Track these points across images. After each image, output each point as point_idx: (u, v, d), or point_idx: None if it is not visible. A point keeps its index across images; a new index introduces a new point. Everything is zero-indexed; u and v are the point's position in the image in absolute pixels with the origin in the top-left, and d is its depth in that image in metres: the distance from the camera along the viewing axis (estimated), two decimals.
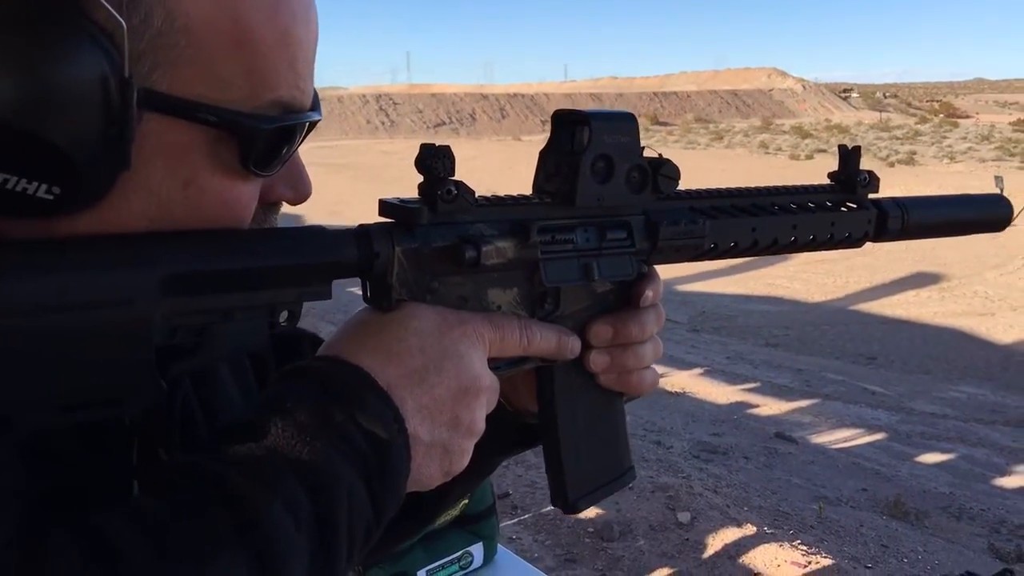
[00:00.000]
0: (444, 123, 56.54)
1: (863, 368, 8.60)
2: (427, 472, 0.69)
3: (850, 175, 0.95)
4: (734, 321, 9.97)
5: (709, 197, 0.86)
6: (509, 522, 3.61)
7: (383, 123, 54.06)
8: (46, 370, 0.54)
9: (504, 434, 0.84)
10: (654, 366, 0.85)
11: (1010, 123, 46.95)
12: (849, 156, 0.95)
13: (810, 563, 3.28)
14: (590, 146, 0.75)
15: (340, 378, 0.65)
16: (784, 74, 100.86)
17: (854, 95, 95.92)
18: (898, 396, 7.65)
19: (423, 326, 0.70)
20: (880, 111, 73.11)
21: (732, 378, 7.69)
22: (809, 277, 11.92)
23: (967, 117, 65.68)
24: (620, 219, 0.79)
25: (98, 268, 0.56)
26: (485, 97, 62.10)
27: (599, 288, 0.80)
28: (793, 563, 3.23)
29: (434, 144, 0.69)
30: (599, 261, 0.77)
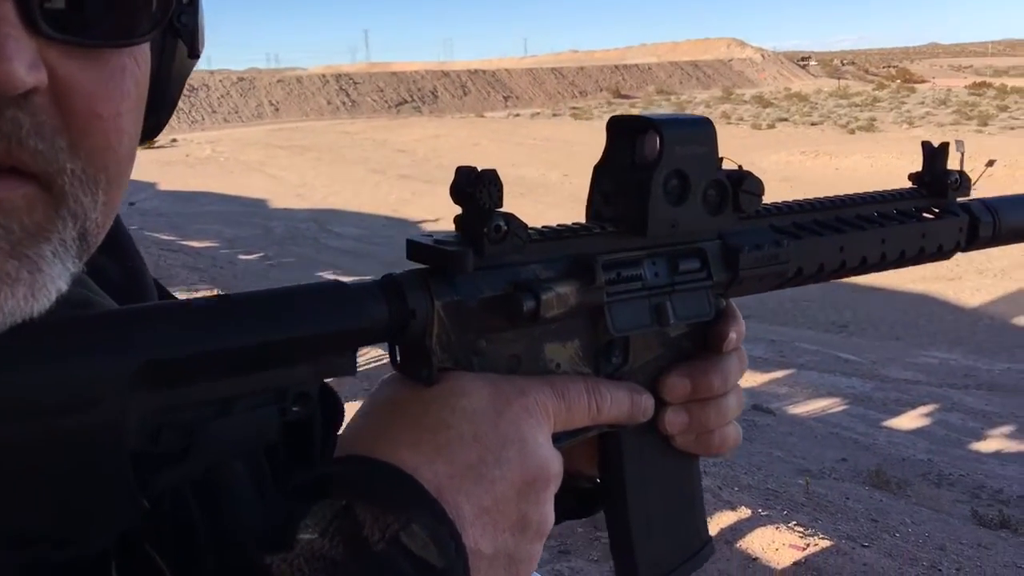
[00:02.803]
0: (406, 102, 56.06)
1: (836, 337, 8.66)
2: None
3: (937, 176, 0.81)
4: None
5: (789, 212, 0.74)
6: None
7: (344, 103, 53.52)
8: None
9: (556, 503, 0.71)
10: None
11: (966, 87, 47.46)
12: (936, 154, 0.82)
13: (808, 545, 3.26)
14: (662, 160, 0.62)
15: (376, 487, 0.50)
16: (743, 44, 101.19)
17: (812, 63, 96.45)
18: (871, 364, 7.71)
19: (475, 404, 0.55)
20: (838, 78, 73.60)
21: None
22: None
23: (924, 82, 66.31)
24: (693, 246, 0.66)
25: (50, 361, 0.42)
26: (446, 75, 61.63)
27: (672, 332, 0.66)
28: (792, 546, 3.21)
29: (474, 168, 0.56)
30: (672, 300, 0.64)
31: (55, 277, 0.44)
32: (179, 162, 23.00)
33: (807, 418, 6.30)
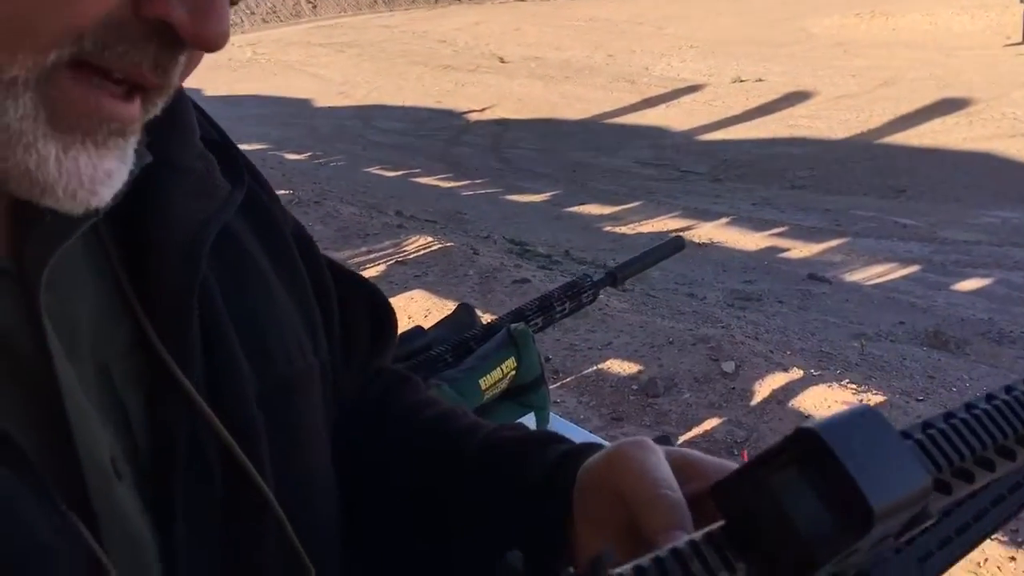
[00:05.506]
0: None
1: (893, 202, 8.46)
2: None
3: None
4: (757, 167, 9.78)
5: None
6: (552, 386, 3.63)
7: None
8: None
9: None
10: None
11: None
12: None
13: (861, 400, 3.26)
14: (849, 550, 0.43)
15: None
16: None
17: None
18: (930, 226, 7.54)
19: None
20: None
21: (759, 224, 7.60)
22: (831, 114, 11.61)
23: None
24: None
25: None
26: None
27: None
28: (844, 403, 3.22)
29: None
30: None
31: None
32: (222, 66, 22.90)
33: (863, 284, 6.22)
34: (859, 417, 0.44)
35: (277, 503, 0.56)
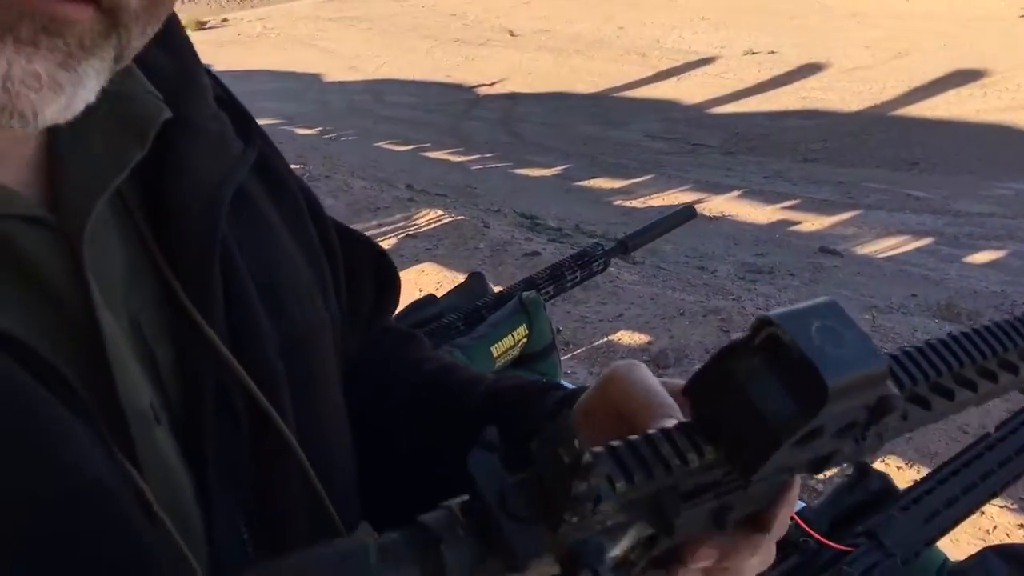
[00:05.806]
0: None
1: (905, 174, 8.41)
2: None
3: None
4: (769, 139, 9.73)
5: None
6: (563, 357, 3.63)
7: None
8: None
9: None
10: None
11: None
12: None
13: None
14: (810, 423, 0.44)
15: None
16: None
17: None
18: (943, 199, 7.50)
19: None
20: None
21: (771, 197, 7.57)
22: (844, 86, 11.52)
23: None
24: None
25: None
26: None
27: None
28: None
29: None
30: (736, 499, 0.50)
31: (89, 91, 0.45)
32: (232, 41, 22.83)
33: (875, 257, 6.21)
34: (819, 307, 0.46)
35: (300, 449, 0.58)
